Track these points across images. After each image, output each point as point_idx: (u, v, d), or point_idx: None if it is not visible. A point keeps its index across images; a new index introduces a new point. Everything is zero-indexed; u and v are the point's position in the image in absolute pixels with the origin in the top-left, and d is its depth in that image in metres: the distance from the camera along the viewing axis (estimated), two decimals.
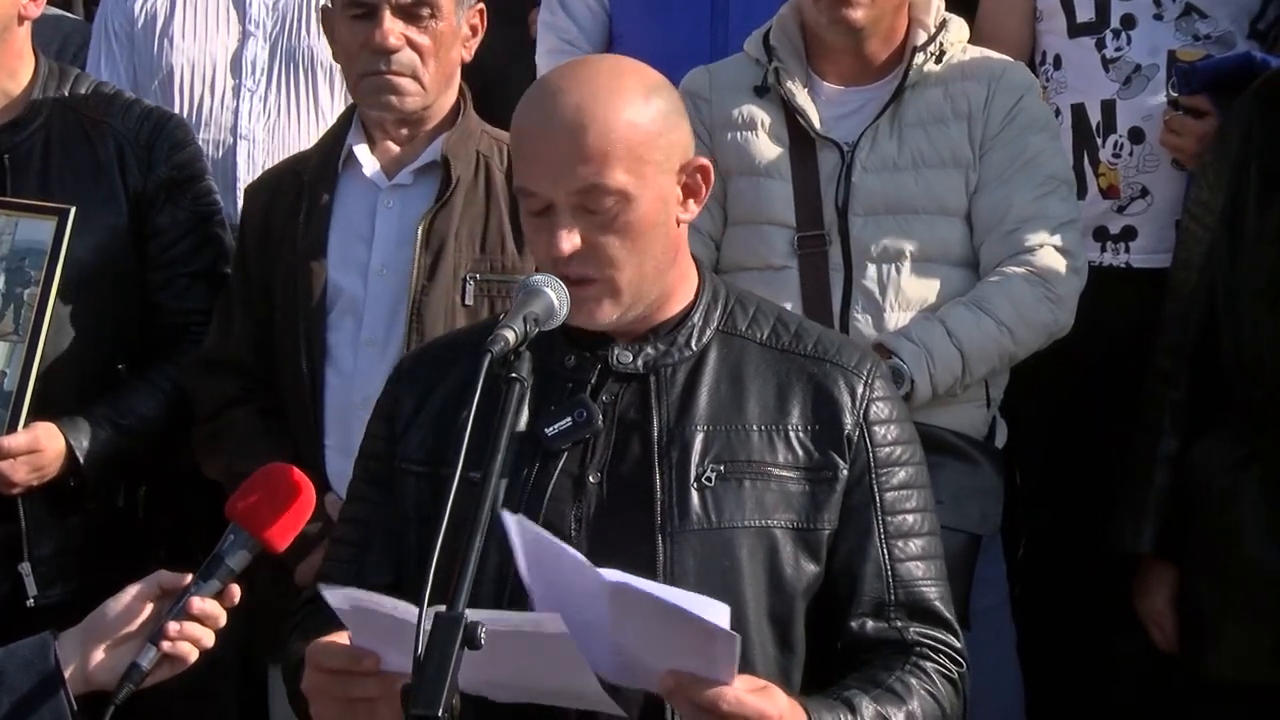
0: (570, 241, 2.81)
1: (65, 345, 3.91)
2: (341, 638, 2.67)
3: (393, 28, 3.80)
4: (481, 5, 3.96)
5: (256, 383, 3.96)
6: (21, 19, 4.00)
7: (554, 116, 2.81)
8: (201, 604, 2.73)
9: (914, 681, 2.86)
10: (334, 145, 3.98)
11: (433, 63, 3.84)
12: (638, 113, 2.84)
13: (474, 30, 3.94)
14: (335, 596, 2.58)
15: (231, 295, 4.02)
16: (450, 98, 3.94)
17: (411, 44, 3.82)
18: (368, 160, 3.91)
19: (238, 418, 3.92)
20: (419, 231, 3.82)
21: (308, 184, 3.93)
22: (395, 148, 3.93)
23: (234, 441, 3.88)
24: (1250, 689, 3.81)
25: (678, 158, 2.89)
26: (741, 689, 2.63)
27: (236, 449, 3.83)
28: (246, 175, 4.57)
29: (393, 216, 3.89)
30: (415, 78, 3.84)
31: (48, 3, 4.15)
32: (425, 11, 3.82)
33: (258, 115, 4.62)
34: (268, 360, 3.95)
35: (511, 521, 2.55)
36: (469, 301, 3.80)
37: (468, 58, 3.95)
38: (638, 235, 2.85)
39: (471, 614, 2.45)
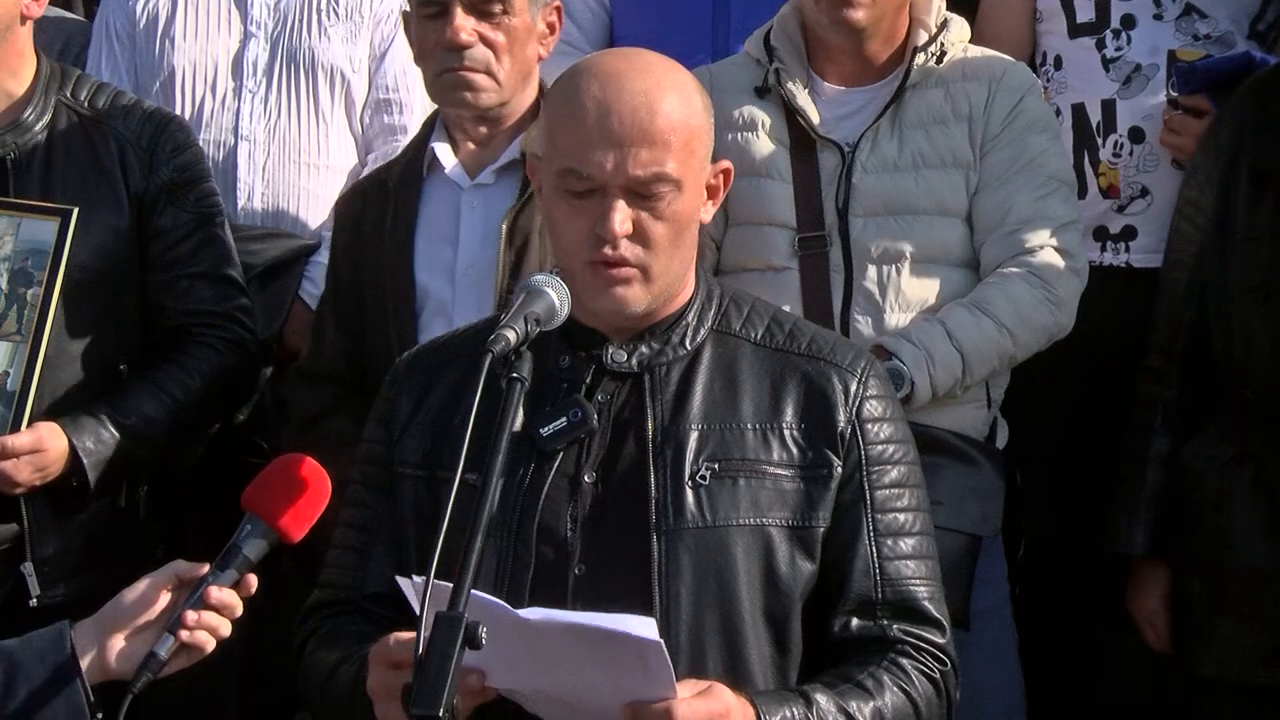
0: (625, 225, 2.83)
1: (68, 345, 3.91)
2: (405, 635, 2.68)
3: (464, 24, 3.81)
4: (559, 3, 3.97)
5: (352, 392, 3.97)
6: (24, 19, 4.00)
7: (620, 100, 2.84)
8: (219, 593, 2.74)
9: (887, 678, 2.88)
10: (418, 150, 4.01)
11: (507, 59, 3.85)
12: (691, 106, 2.89)
13: (550, 28, 3.96)
14: (409, 587, 2.61)
15: (324, 307, 4.06)
16: (529, 96, 3.94)
17: (485, 40, 3.83)
18: (449, 161, 3.93)
19: (333, 427, 3.94)
20: (503, 229, 3.83)
21: (393, 190, 3.96)
22: (476, 148, 3.94)
23: (330, 450, 3.86)
24: (1250, 689, 3.81)
25: (710, 156, 2.94)
26: (688, 696, 2.66)
27: (333, 457, 3.80)
28: (247, 176, 4.59)
29: (476, 217, 3.90)
30: (489, 74, 3.85)
31: (49, 3, 4.16)
32: (497, 8, 3.83)
33: (258, 116, 4.63)
34: (361, 369, 3.96)
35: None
36: None
37: (545, 55, 3.96)
38: (681, 225, 2.88)
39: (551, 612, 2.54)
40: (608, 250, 2.83)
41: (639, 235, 2.85)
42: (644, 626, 2.57)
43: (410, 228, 3.92)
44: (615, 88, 2.84)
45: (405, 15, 4.02)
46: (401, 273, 3.89)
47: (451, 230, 3.91)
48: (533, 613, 2.51)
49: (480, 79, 3.85)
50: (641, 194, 2.83)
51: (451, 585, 2.46)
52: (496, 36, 3.84)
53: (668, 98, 2.84)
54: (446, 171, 3.93)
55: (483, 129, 3.93)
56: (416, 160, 3.97)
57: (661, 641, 2.55)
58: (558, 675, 2.63)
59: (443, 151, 3.94)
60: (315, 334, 4.07)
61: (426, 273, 3.90)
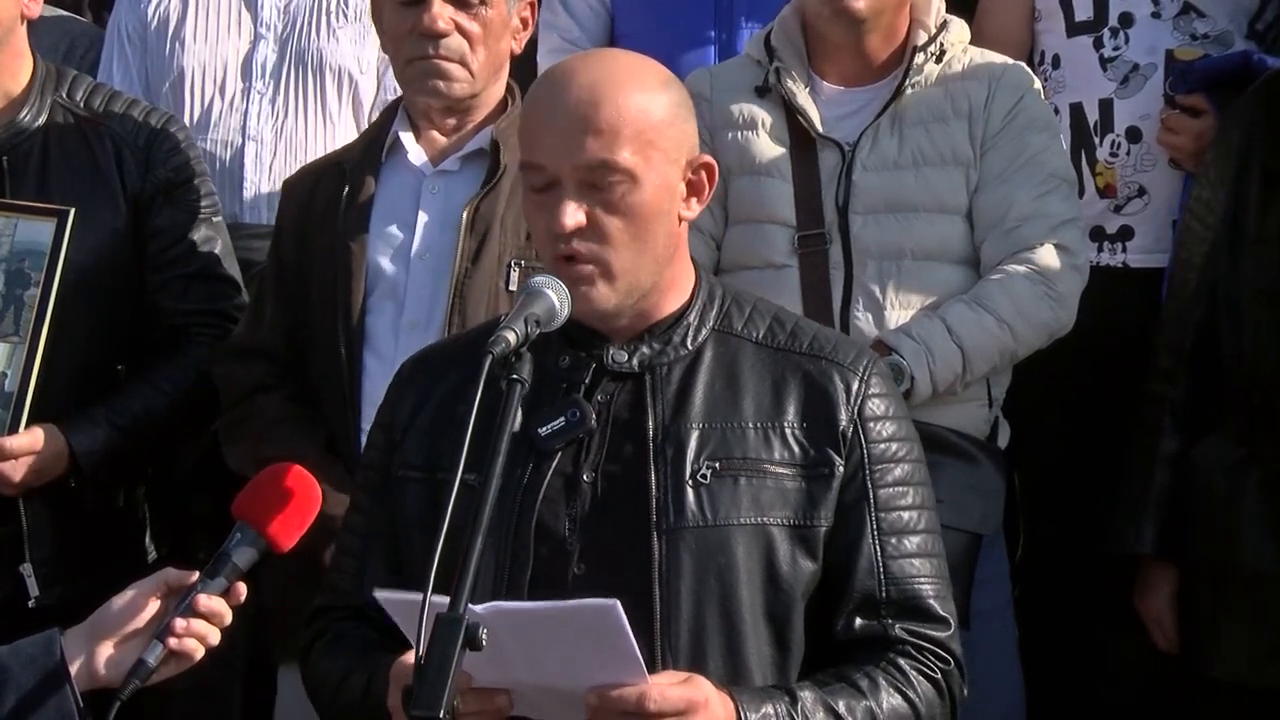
0: (574, 217, 2.82)
1: (65, 346, 3.90)
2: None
3: (442, 12, 3.79)
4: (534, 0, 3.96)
5: (286, 370, 3.94)
6: (23, 19, 4.00)
7: (568, 92, 2.83)
8: (208, 601, 2.73)
9: (883, 680, 2.86)
10: (378, 135, 3.97)
11: (481, 50, 3.83)
12: (650, 98, 2.86)
13: (524, 23, 3.95)
14: (392, 605, 2.61)
15: (265, 283, 4.01)
16: (498, 90, 3.92)
17: (461, 30, 3.81)
18: (413, 148, 3.91)
19: (266, 404, 3.91)
20: (464, 216, 3.80)
21: (349, 171, 3.92)
22: (441, 138, 3.92)
23: (260, 427, 3.86)
24: (1252, 690, 3.81)
25: (685, 152, 2.91)
26: (664, 683, 2.66)
27: (263, 435, 3.82)
28: (254, 176, 4.59)
29: (437, 202, 3.88)
30: (463, 64, 3.83)
31: (58, 6, 4.17)
32: None
33: (266, 117, 4.63)
34: (299, 348, 3.93)
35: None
36: (513, 287, 3.77)
37: (518, 50, 3.95)
38: (641, 220, 2.85)
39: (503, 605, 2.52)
40: (561, 245, 2.83)
41: (593, 229, 2.83)
42: (598, 601, 2.56)
43: (366, 208, 3.88)
44: (566, 83, 2.85)
45: (375, 1, 3.99)
46: (354, 251, 3.85)
47: (409, 214, 3.88)
48: (487, 608, 2.50)
49: (454, 68, 3.83)
50: (593, 185, 2.83)
51: (448, 600, 2.45)
52: (473, 27, 3.82)
53: (619, 90, 2.83)
54: (409, 157, 3.90)
55: (450, 120, 3.91)
56: (376, 144, 3.95)
57: (617, 603, 2.54)
58: (529, 667, 2.63)
59: (406, 139, 3.91)
60: (253, 309, 4.02)
61: (380, 254, 3.86)
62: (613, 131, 2.81)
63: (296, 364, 3.94)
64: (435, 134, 3.92)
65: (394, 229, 3.88)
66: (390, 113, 4.01)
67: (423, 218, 3.87)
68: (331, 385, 3.85)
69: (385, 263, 3.86)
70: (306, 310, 3.92)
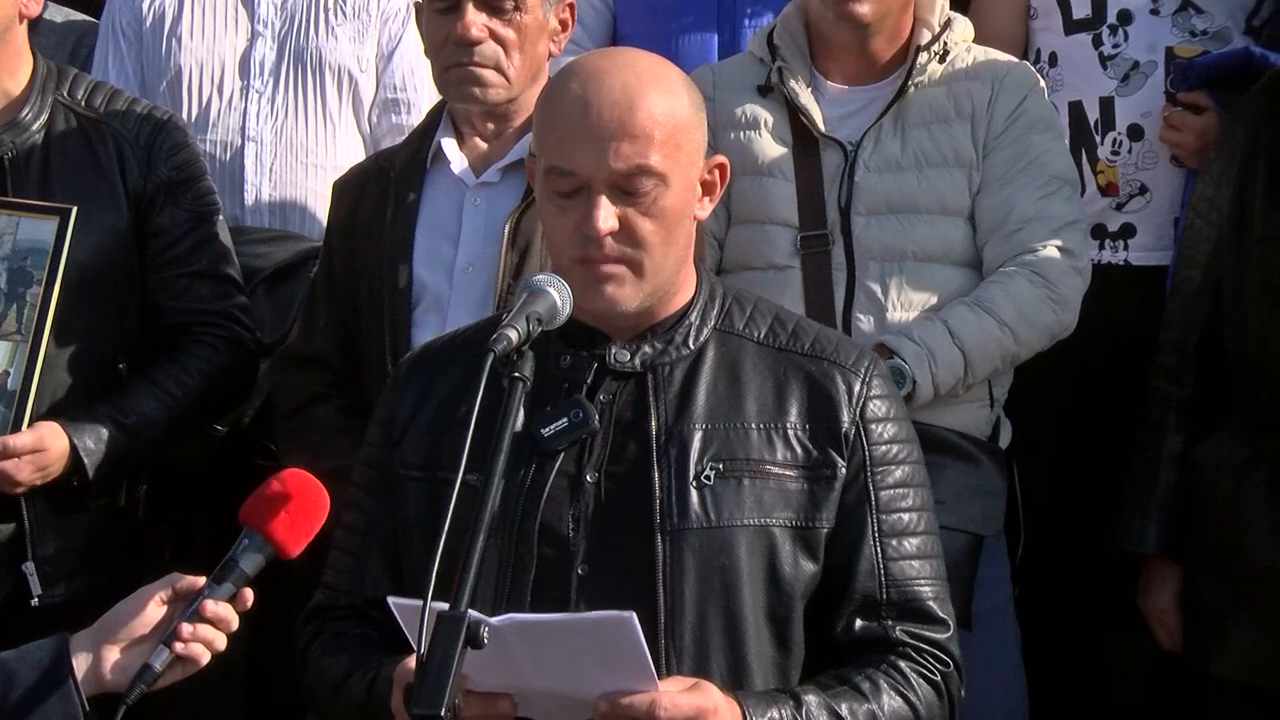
0: (609, 220, 2.82)
1: (67, 345, 3.90)
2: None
3: (475, 19, 3.79)
4: (573, 0, 3.96)
5: (341, 379, 3.95)
6: (22, 18, 3.99)
7: (599, 97, 2.84)
8: (215, 607, 2.74)
9: (884, 682, 2.87)
10: (422, 141, 3.97)
11: (517, 55, 3.83)
12: (675, 101, 2.88)
13: (563, 25, 3.94)
14: (402, 610, 2.60)
15: (317, 291, 4.02)
16: (538, 93, 3.92)
17: (495, 36, 3.81)
18: (455, 157, 3.91)
19: (321, 414, 3.92)
20: (505, 230, 3.80)
21: (395, 180, 3.93)
22: (483, 144, 3.92)
23: (317, 438, 3.87)
24: (1256, 690, 3.80)
25: (702, 153, 2.93)
26: (673, 690, 2.66)
27: (319, 446, 3.81)
28: (255, 179, 4.57)
29: (479, 215, 3.88)
30: (499, 70, 3.83)
31: (63, 3, 4.15)
32: (509, 4, 3.81)
33: (265, 117, 4.61)
34: (352, 357, 3.93)
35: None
36: None
37: (557, 52, 3.94)
38: (670, 222, 2.87)
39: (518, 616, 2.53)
40: (592, 249, 2.83)
41: (626, 232, 2.84)
42: (615, 614, 2.56)
43: (410, 221, 3.88)
44: (596, 85, 2.85)
45: (417, 7, 3.99)
46: (399, 265, 3.86)
47: (453, 226, 3.88)
48: (503, 620, 2.50)
49: (489, 75, 3.83)
50: (625, 189, 2.83)
51: (446, 606, 2.45)
52: (507, 33, 3.82)
53: (649, 93, 2.84)
54: (452, 167, 3.90)
55: (490, 125, 3.91)
56: (420, 152, 3.94)
57: (634, 615, 2.54)
58: (540, 675, 2.63)
59: (449, 146, 3.91)
60: (307, 316, 4.03)
61: (425, 268, 3.86)
62: (646, 136, 2.83)
63: (351, 370, 3.94)
64: (478, 140, 3.92)
65: (438, 242, 3.88)
66: (435, 116, 4.00)
67: (466, 231, 3.87)
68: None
69: (430, 276, 3.86)
70: (356, 318, 3.93)
